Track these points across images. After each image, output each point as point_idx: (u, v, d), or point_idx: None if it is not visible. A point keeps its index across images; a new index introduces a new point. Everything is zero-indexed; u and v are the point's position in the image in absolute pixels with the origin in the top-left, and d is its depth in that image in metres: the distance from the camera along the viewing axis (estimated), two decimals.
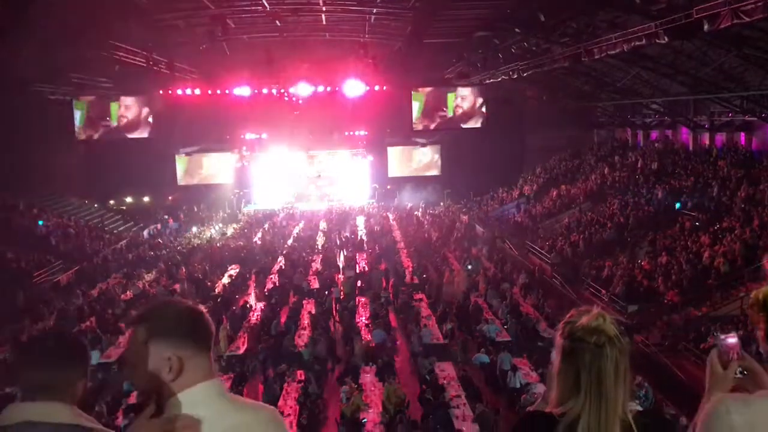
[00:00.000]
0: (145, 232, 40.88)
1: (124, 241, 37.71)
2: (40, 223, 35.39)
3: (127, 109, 38.90)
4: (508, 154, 44.56)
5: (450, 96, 40.51)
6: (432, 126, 41.37)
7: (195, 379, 1.99)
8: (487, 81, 36.25)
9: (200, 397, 1.99)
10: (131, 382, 2.14)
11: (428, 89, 40.49)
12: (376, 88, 37.20)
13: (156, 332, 1.99)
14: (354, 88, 35.81)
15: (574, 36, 23.80)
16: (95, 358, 20.13)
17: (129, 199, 46.72)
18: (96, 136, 39.25)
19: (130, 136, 39.34)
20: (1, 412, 2.07)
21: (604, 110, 42.53)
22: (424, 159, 48.19)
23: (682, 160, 32.32)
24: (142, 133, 39.47)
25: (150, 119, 39.06)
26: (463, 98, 40.46)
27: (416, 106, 40.14)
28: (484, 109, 40.29)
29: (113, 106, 38.85)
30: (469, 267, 29.01)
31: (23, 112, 34.69)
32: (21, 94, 30.65)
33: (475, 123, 40.63)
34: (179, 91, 36.04)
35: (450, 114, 40.66)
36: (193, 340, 2.02)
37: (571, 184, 38.05)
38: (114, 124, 38.98)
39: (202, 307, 2.13)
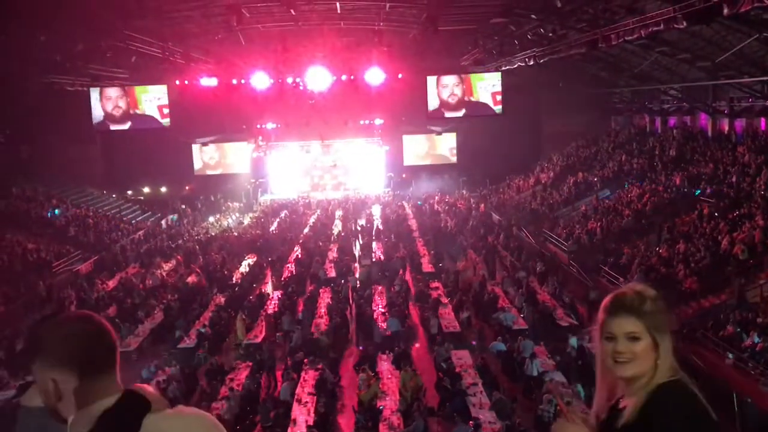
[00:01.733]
0: (163, 222, 41.17)
1: (142, 231, 38.03)
2: (57, 212, 35.67)
3: (143, 99, 39.09)
4: (525, 142, 44.34)
5: (468, 82, 40.28)
6: (449, 113, 41.15)
7: (93, 398, 1.89)
8: (504, 68, 36.02)
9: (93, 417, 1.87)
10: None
11: (444, 76, 40.29)
12: (391, 76, 37.08)
13: (38, 354, 1.89)
14: (370, 76, 35.72)
15: (591, 22, 23.56)
16: None
17: (146, 190, 47.08)
18: (113, 127, 39.50)
19: (146, 126, 39.54)
20: (24, 394, 2.09)
21: (622, 96, 42.14)
22: (440, 147, 48.02)
23: (701, 147, 31.97)
24: (159, 124, 39.66)
25: (167, 110, 39.23)
26: (479, 85, 40.20)
27: (432, 93, 39.99)
28: (500, 96, 40.01)
29: (130, 96, 39.08)
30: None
31: (42, 104, 35.06)
32: (39, 85, 30.88)
33: (492, 110, 40.36)
34: (195, 82, 36.14)
35: (468, 100, 40.44)
36: (77, 364, 1.87)
37: (588, 171, 37.79)
38: (131, 114, 39.20)
39: (100, 326, 1.95)
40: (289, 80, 37.11)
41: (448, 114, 40.85)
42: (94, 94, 38.44)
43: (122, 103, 38.93)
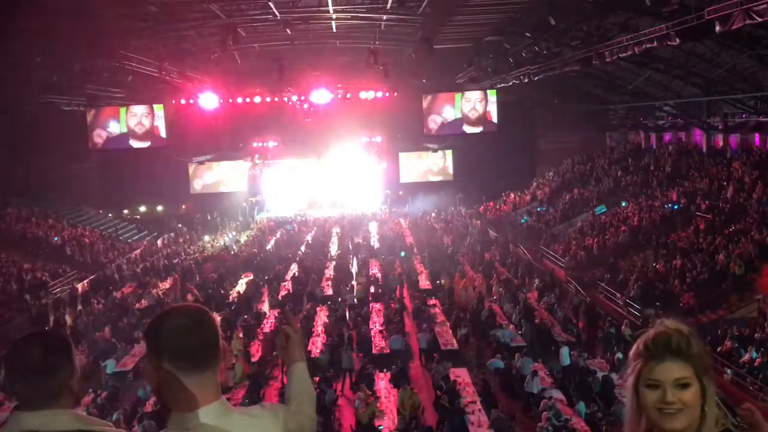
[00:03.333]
0: (159, 241, 41.08)
1: (139, 250, 37.93)
2: (56, 239, 35.60)
3: (140, 119, 39.20)
4: (521, 158, 44.47)
5: (460, 100, 40.49)
6: (443, 131, 41.33)
7: (195, 399, 1.93)
8: (499, 85, 36.20)
9: (200, 421, 1.93)
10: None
11: (439, 94, 40.51)
12: (387, 94, 37.25)
13: (153, 345, 1.96)
14: (366, 94, 35.88)
15: (585, 39, 23.72)
16: (110, 367, 20.26)
17: (143, 209, 47.00)
18: (109, 147, 39.57)
19: (143, 145, 39.60)
20: (6, 422, 2.08)
21: (616, 113, 42.35)
22: (436, 164, 48.09)
23: (695, 162, 32.10)
24: (155, 143, 39.73)
25: (163, 129, 39.31)
26: (473, 102, 40.43)
27: (426, 106, 40.23)
28: (496, 114, 40.22)
29: (126, 116, 39.17)
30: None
31: (38, 124, 35.08)
32: (35, 105, 30.93)
33: (487, 127, 40.55)
34: (192, 101, 36.24)
35: (473, 117, 40.68)
36: (189, 356, 1.94)
37: (584, 187, 37.89)
38: (127, 134, 39.28)
39: (210, 320, 2.03)
40: (286, 99, 37.24)
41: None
42: (90, 113, 38.46)
43: (118, 123, 38.94)
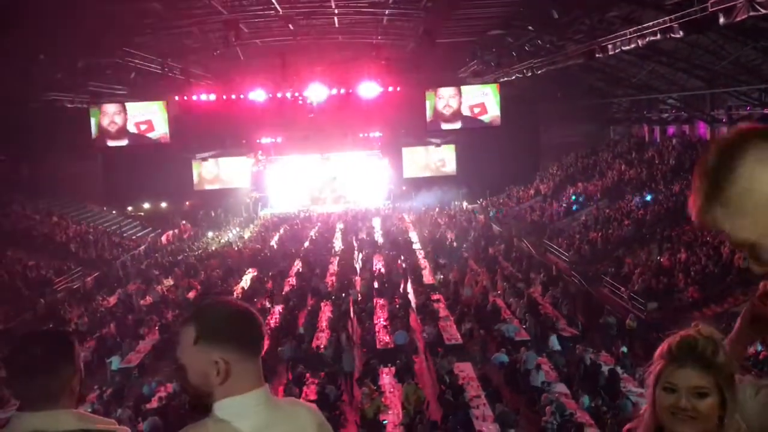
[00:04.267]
0: (163, 238, 41.14)
1: (143, 246, 38.00)
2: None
3: (143, 116, 39.17)
4: (524, 153, 44.37)
5: (462, 94, 40.38)
6: (447, 126, 41.23)
7: (244, 385, 1.93)
8: (502, 79, 36.13)
9: (250, 406, 1.93)
10: (181, 383, 2.04)
11: (442, 89, 40.40)
12: (390, 89, 37.20)
13: (204, 333, 1.93)
14: (368, 89, 35.83)
15: (588, 32, 23.65)
16: (116, 363, 20.34)
17: (146, 205, 47.06)
18: (112, 144, 39.57)
19: (146, 142, 39.60)
20: (8, 422, 2.08)
21: (620, 106, 42.23)
22: (439, 159, 48.01)
23: (700, 155, 31.88)
24: (158, 140, 39.73)
25: (166, 125, 39.31)
26: (476, 97, 40.34)
27: (429, 105, 40.02)
28: (498, 107, 40.13)
29: (129, 113, 39.14)
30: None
31: (42, 122, 35.14)
32: (39, 103, 30.98)
33: (490, 121, 40.47)
34: (194, 97, 36.25)
35: (465, 113, 40.50)
36: (241, 343, 1.94)
37: (588, 181, 37.82)
38: (130, 131, 39.27)
39: (254, 310, 2.05)
40: (289, 94, 37.22)
41: (445, 126, 40.81)
42: (93, 111, 38.45)
43: (121, 120, 38.89)
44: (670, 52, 26.49)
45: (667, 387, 1.83)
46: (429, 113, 40.22)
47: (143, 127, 39.34)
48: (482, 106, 39.38)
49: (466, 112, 39.86)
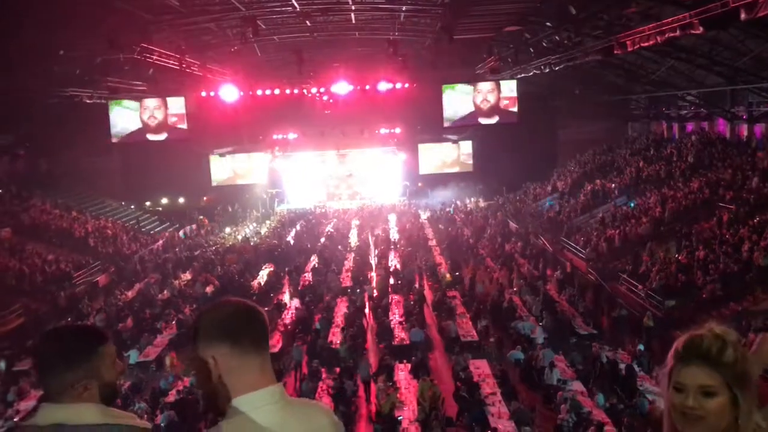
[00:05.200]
0: (181, 233, 41.42)
1: (161, 241, 38.27)
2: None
3: (161, 111, 39.33)
4: (541, 149, 44.18)
5: (480, 91, 40.09)
6: (463, 122, 41.00)
7: (251, 382, 1.96)
8: (519, 76, 35.95)
9: (262, 403, 1.96)
10: (197, 386, 2.09)
11: (459, 85, 40.18)
12: (407, 85, 37.14)
13: (200, 334, 2.00)
14: (385, 85, 35.80)
15: (606, 28, 23.47)
16: (134, 357, 20.52)
17: (164, 201, 47.42)
18: (131, 139, 39.76)
19: (164, 138, 39.75)
20: (35, 413, 2.12)
21: (638, 103, 41.91)
22: (456, 155, 47.92)
23: (719, 152, 31.68)
24: (176, 135, 39.88)
25: (184, 121, 39.46)
26: (493, 93, 40.08)
27: (448, 101, 39.71)
28: (516, 104, 39.87)
29: (148, 108, 39.30)
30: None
31: (60, 117, 35.45)
32: (58, 99, 31.25)
33: (508, 118, 40.20)
34: (212, 93, 36.40)
35: (486, 108, 40.14)
36: (236, 341, 1.97)
37: (606, 178, 37.57)
38: (148, 126, 39.45)
39: (257, 307, 2.07)
40: (305, 91, 37.27)
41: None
42: (112, 106, 38.67)
43: (139, 115, 39.08)
44: (689, 48, 26.22)
45: (676, 387, 1.83)
46: (450, 109, 39.82)
47: (161, 122, 39.46)
48: (511, 100, 39.02)
49: (496, 107, 39.41)
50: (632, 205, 31.63)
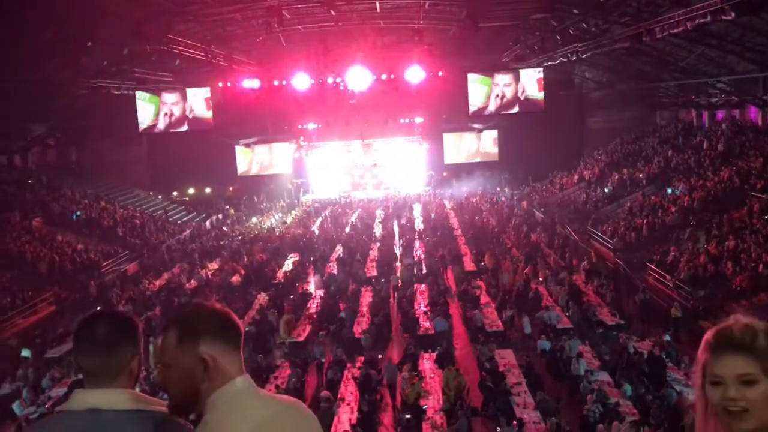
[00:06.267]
0: (208, 223, 41.79)
1: (188, 231, 38.64)
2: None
3: (187, 102, 39.54)
4: (568, 138, 43.78)
5: (503, 80, 39.67)
6: (489, 111, 40.67)
7: (227, 376, 2.03)
8: (546, 64, 35.59)
9: (233, 393, 2.02)
10: (166, 386, 2.13)
11: (488, 73, 39.81)
12: (432, 74, 36.96)
13: (187, 334, 2.04)
14: (411, 75, 35.67)
15: (635, 15, 23.11)
16: None
17: (191, 191, 47.87)
18: (158, 130, 40.07)
19: (190, 128, 39.99)
20: (70, 397, 2.15)
21: (667, 91, 41.26)
22: (481, 145, 47.63)
23: (750, 141, 31.13)
24: (201, 126, 40.11)
25: (210, 111, 39.66)
26: (519, 81, 39.69)
27: (481, 90, 39.35)
28: (542, 93, 39.45)
29: (174, 99, 39.53)
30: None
31: (89, 108, 35.91)
32: (87, 90, 31.64)
33: (533, 107, 39.80)
34: (238, 84, 36.58)
35: (508, 97, 39.75)
36: (222, 338, 2.05)
37: (634, 167, 37.12)
38: (175, 117, 39.71)
39: (228, 309, 2.15)
40: (330, 80, 37.29)
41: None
42: (140, 97, 38.98)
43: (166, 106, 39.29)
44: (720, 34, 25.72)
45: (714, 381, 1.77)
46: (476, 98, 39.45)
47: (187, 113, 39.68)
48: (537, 89, 38.47)
49: (522, 96, 38.92)
50: (670, 191, 31.05)
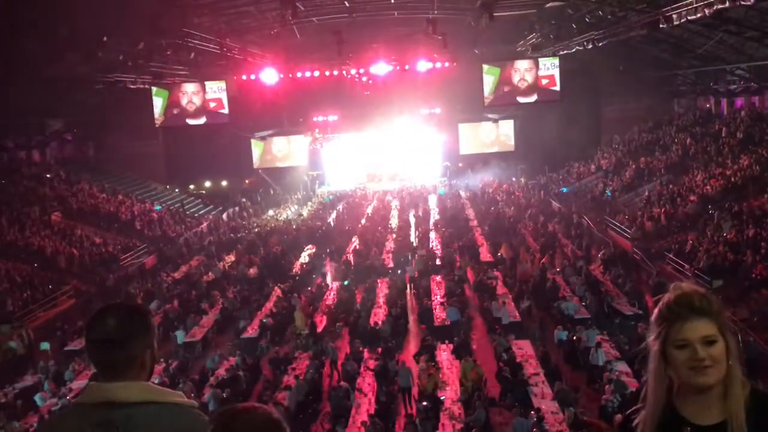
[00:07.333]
0: (224, 215, 41.99)
1: (204, 224, 38.85)
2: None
3: (202, 95, 39.67)
4: (585, 127, 43.35)
5: (519, 70, 39.40)
6: (504, 101, 40.44)
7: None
8: (562, 52, 35.31)
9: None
10: None
11: (500, 63, 39.59)
12: (446, 64, 36.80)
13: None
14: (425, 65, 35.54)
15: (651, 2, 22.86)
16: (180, 337, 20.95)
17: (208, 184, 48.10)
18: (174, 123, 40.27)
19: (206, 121, 40.12)
20: (83, 390, 2.16)
21: (685, 78, 40.82)
22: (497, 135, 47.41)
23: None
24: (216, 119, 40.23)
25: (225, 104, 39.75)
26: (533, 72, 39.40)
27: (488, 81, 39.14)
28: (558, 82, 39.15)
29: (189, 93, 39.65)
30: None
31: (106, 102, 36.14)
32: (103, 84, 31.83)
33: (549, 96, 39.50)
34: (252, 76, 36.62)
35: (523, 87, 39.47)
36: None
37: (651, 155, 36.78)
38: (191, 110, 39.86)
39: (280, 419, 1.84)
40: (345, 72, 37.24)
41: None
42: (156, 91, 39.19)
43: (181, 99, 39.46)
44: (739, 20, 25.35)
45: (679, 344, 1.99)
46: (489, 88, 39.22)
47: (203, 106, 39.85)
48: (551, 78, 38.17)
49: (541, 84, 38.60)
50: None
